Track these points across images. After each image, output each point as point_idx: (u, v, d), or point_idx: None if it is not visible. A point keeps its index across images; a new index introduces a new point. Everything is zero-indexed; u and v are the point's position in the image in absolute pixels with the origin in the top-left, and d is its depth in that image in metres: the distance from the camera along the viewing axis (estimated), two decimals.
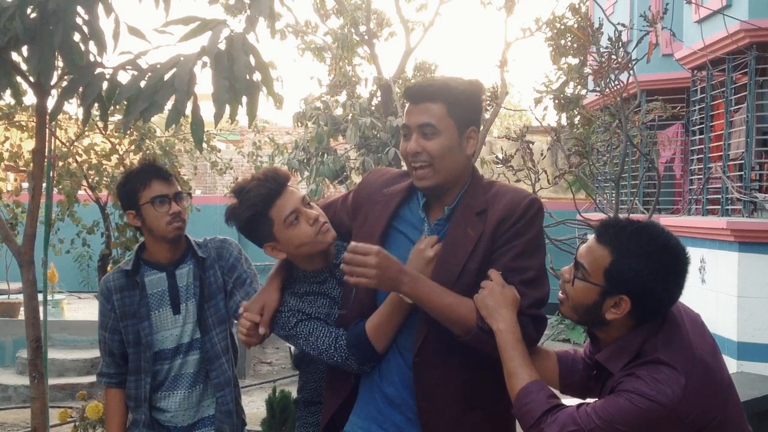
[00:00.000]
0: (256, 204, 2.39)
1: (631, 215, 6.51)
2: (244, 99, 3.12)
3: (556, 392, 2.15)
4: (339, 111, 15.07)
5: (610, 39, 5.05)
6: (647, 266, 1.98)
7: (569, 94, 13.97)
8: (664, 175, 9.67)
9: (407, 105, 2.32)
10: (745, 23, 6.85)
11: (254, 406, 8.69)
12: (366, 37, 14.95)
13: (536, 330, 2.23)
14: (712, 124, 8.20)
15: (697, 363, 1.96)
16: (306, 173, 14.59)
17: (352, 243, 2.18)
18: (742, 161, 7.51)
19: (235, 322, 2.69)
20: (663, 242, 2.02)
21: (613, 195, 6.43)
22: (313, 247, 2.41)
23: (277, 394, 5.56)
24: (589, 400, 2.05)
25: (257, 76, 3.15)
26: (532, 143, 5.82)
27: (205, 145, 9.47)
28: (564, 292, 2.13)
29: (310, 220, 2.40)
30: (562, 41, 14.36)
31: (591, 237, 2.11)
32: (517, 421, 2.14)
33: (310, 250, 2.42)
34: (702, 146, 8.32)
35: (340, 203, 2.61)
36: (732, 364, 6.32)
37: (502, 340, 2.10)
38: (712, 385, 1.96)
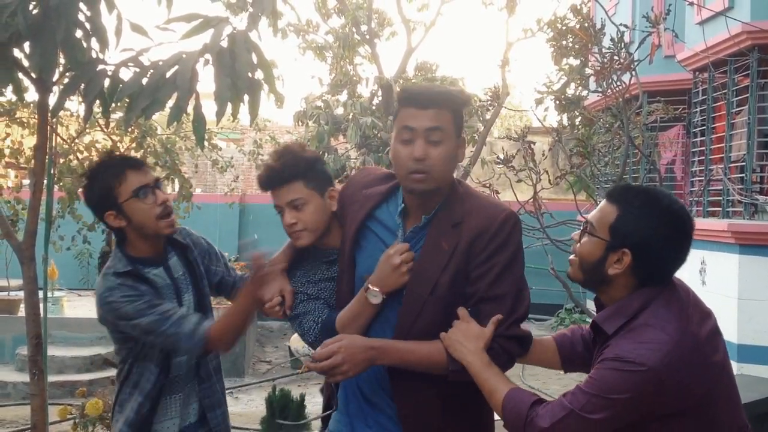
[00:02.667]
0: (261, 185, 2.53)
1: None
2: (246, 97, 3.12)
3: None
4: (340, 110, 15.06)
5: (612, 39, 5.05)
6: (649, 222, 2.04)
7: (570, 95, 13.95)
8: (665, 177, 9.66)
9: (409, 108, 2.27)
10: (747, 25, 6.85)
11: (253, 404, 8.70)
12: (367, 36, 14.93)
13: (521, 347, 2.27)
14: (713, 125, 8.19)
15: (688, 335, 1.97)
16: None
17: (313, 354, 2.21)
18: (744, 163, 7.51)
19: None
20: (667, 203, 2.08)
21: None
22: (323, 226, 2.49)
23: (276, 392, 5.56)
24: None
25: (259, 74, 3.15)
26: (534, 144, 5.80)
27: (206, 143, 9.47)
28: (575, 254, 2.18)
29: (285, 223, 2.49)
30: (564, 42, 14.33)
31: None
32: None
33: (320, 227, 2.50)
34: (703, 148, 8.32)
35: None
36: (732, 367, 6.31)
37: (474, 370, 2.15)
38: (700, 360, 1.97)
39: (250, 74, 3.12)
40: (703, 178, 8.36)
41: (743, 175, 7.57)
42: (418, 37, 15.60)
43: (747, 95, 7.37)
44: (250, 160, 13.97)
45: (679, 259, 2.08)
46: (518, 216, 2.33)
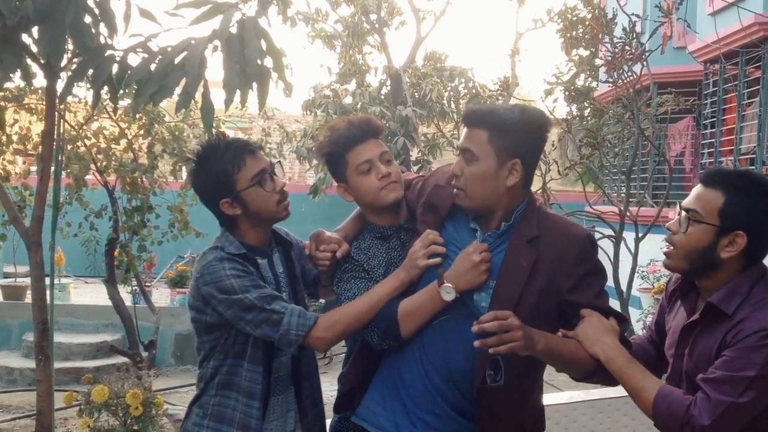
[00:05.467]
0: (336, 143, 2.50)
1: (640, 209, 6.47)
2: (255, 84, 3.10)
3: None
4: (348, 99, 15.03)
5: (624, 29, 5.01)
6: (758, 202, 2.07)
7: (580, 86, 13.89)
8: (675, 169, 9.61)
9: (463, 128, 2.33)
10: (759, 16, 6.80)
11: None
12: (376, 25, 14.88)
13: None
14: (723, 117, 8.14)
15: None
16: (314, 161, 14.56)
17: (494, 313, 2.11)
18: (754, 155, 7.46)
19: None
20: (765, 181, 2.12)
21: (623, 187, 6.39)
22: (375, 200, 2.48)
23: None
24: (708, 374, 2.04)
25: (268, 62, 3.13)
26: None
27: (214, 131, 9.45)
28: (672, 245, 2.17)
29: (380, 174, 2.46)
30: (574, 32, 14.27)
31: (696, 187, 2.17)
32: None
33: (372, 202, 2.49)
34: (713, 140, 8.27)
35: (412, 184, 2.62)
36: None
37: (615, 365, 2.13)
38: None
39: (259, 61, 3.10)
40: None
41: (753, 167, 7.53)
42: (428, 26, 15.60)
43: (758, 87, 7.31)
44: None
45: None
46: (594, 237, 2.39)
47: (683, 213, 2.15)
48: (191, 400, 2.64)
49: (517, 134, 2.22)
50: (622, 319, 2.28)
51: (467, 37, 52.88)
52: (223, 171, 2.49)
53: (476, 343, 2.10)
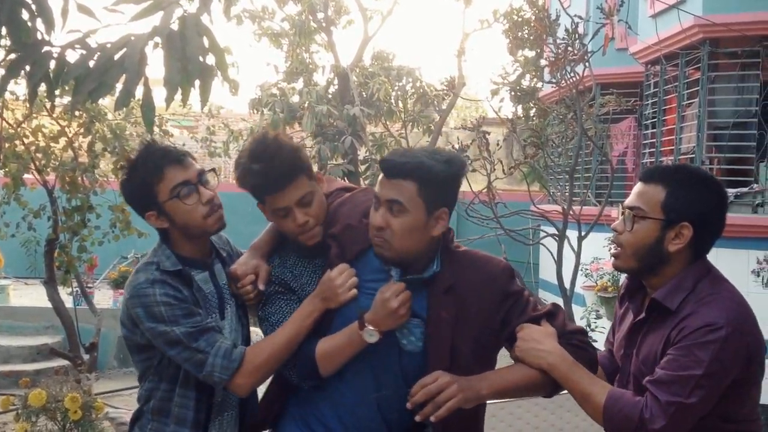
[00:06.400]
0: (254, 188, 2.40)
1: (583, 208, 6.56)
2: (197, 82, 3.06)
3: None
4: (295, 98, 14.95)
5: (566, 30, 5.08)
6: (700, 192, 2.11)
7: (525, 87, 14.05)
8: (617, 168, 9.78)
9: (380, 176, 2.27)
10: (699, 18, 6.94)
11: None
12: (324, 24, 14.83)
13: (590, 343, 2.27)
14: (664, 118, 8.31)
15: (744, 303, 2.08)
16: None
17: (421, 382, 2.12)
18: (693, 155, 7.63)
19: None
20: (704, 173, 2.20)
21: (567, 186, 6.48)
22: (296, 239, 2.41)
23: None
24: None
25: (211, 59, 3.08)
26: (488, 134, 5.82)
27: (157, 130, 9.31)
28: (619, 245, 2.17)
29: (297, 222, 2.37)
30: (519, 33, 14.43)
31: (636, 185, 2.19)
32: None
33: (293, 239, 2.42)
34: (654, 140, 8.43)
35: (332, 196, 2.55)
36: None
37: (559, 373, 2.12)
38: (757, 328, 2.06)
39: (201, 59, 3.04)
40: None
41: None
42: (375, 25, 15.55)
43: (698, 88, 7.47)
44: (203, 147, 13.79)
45: (723, 226, 2.16)
46: (510, 264, 2.38)
47: (627, 212, 2.16)
48: (132, 415, 2.52)
49: (446, 185, 2.22)
50: (553, 312, 2.26)
51: (415, 37, 53.10)
52: (144, 182, 2.40)
53: (417, 418, 2.10)
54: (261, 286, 2.39)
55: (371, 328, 2.20)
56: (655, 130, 8.42)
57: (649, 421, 1.96)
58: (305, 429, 2.36)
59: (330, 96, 15.24)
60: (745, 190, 7.00)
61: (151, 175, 2.40)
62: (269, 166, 2.34)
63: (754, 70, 7.16)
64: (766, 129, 7.02)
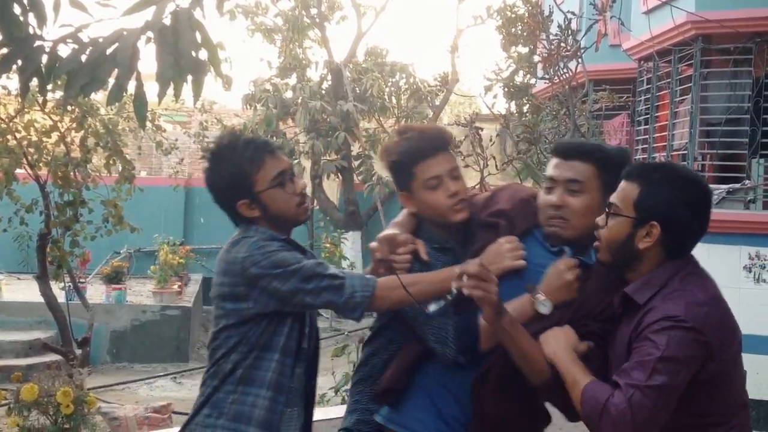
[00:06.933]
0: (405, 153, 2.40)
1: None
2: (190, 77, 3.06)
3: None
4: (289, 94, 14.94)
5: (559, 26, 5.08)
6: (672, 192, 2.11)
7: (519, 83, 14.06)
8: None
9: (555, 160, 2.32)
10: (692, 15, 6.95)
11: (197, 390, 8.60)
12: (317, 19, 14.83)
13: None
14: (656, 114, 8.33)
15: (720, 300, 2.08)
16: None
17: (474, 267, 2.13)
18: (686, 152, 7.65)
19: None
20: (685, 172, 2.19)
21: None
22: (442, 217, 2.41)
23: None
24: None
25: (203, 54, 3.08)
26: (482, 130, 5.84)
27: (149, 125, 9.30)
28: (599, 239, 2.20)
29: (448, 192, 2.38)
30: (513, 29, 14.44)
31: (621, 182, 2.21)
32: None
33: (438, 218, 2.42)
34: (646, 136, 8.45)
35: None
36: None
37: (561, 362, 2.15)
38: (731, 326, 2.07)
39: (194, 53, 3.05)
40: None
41: (685, 163, 7.72)
42: (369, 21, 15.56)
43: (690, 85, 7.49)
44: (196, 143, 13.78)
45: (702, 227, 2.15)
46: None
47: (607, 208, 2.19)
48: (197, 402, 2.45)
49: (619, 169, 2.24)
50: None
51: (408, 33, 53.10)
52: (241, 171, 2.38)
53: (453, 283, 2.12)
54: (425, 256, 2.39)
55: (544, 298, 2.23)
56: (647, 126, 8.43)
57: (611, 405, 1.98)
58: (429, 404, 2.39)
59: (323, 92, 15.24)
60: (737, 186, 7.02)
61: (250, 164, 2.38)
62: (422, 133, 2.42)
63: (746, 66, 7.18)
64: (758, 125, 7.05)
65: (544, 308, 2.23)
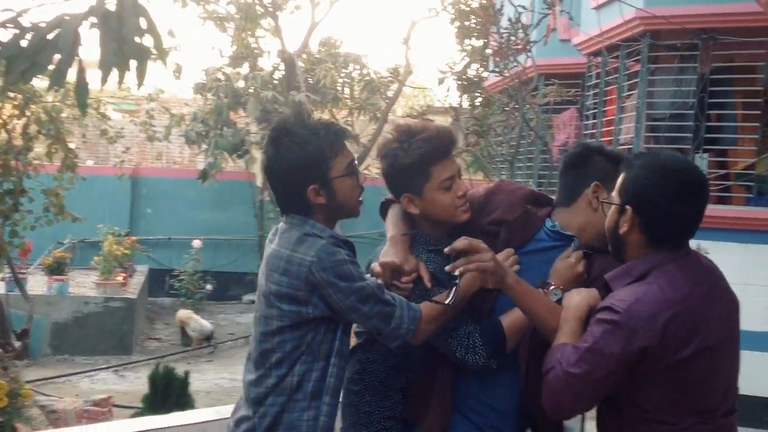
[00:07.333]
0: (424, 155, 2.37)
1: None
2: (134, 64, 3.00)
3: None
4: (241, 83, 14.79)
5: (510, 20, 5.11)
6: (645, 176, 2.11)
7: (472, 76, 14.13)
8: (558, 158, 9.90)
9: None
10: (640, 11, 7.04)
11: (140, 383, 8.50)
12: (270, 8, 14.67)
13: None
14: (604, 109, 8.43)
15: (683, 302, 2.02)
16: (204, 146, 14.26)
17: (464, 242, 2.18)
18: (632, 146, 7.76)
19: None
20: (664, 161, 2.16)
21: (509, 175, 6.54)
22: (449, 217, 2.43)
23: (161, 370, 5.45)
24: None
25: (148, 41, 3.02)
26: (433, 122, 5.84)
27: (93, 112, 9.11)
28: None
29: (459, 192, 2.41)
30: (466, 23, 14.50)
31: None
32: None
33: (445, 218, 2.43)
34: (594, 131, 8.56)
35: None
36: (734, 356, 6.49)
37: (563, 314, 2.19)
38: (687, 329, 2.01)
39: (138, 39, 2.99)
40: None
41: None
42: (323, 11, 15.45)
43: (637, 80, 7.60)
44: (142, 131, 13.56)
45: (686, 216, 2.12)
46: None
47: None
48: (259, 423, 2.27)
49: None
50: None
51: (363, 24, 52.93)
52: (321, 154, 2.28)
53: (447, 268, 2.17)
54: (428, 284, 2.36)
55: (554, 287, 2.31)
56: (595, 120, 8.54)
57: (549, 375, 2.08)
58: (468, 423, 2.41)
59: (275, 82, 15.11)
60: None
61: (330, 148, 2.29)
62: (437, 133, 2.41)
63: (692, 62, 7.29)
64: (702, 120, 7.18)
65: (556, 297, 2.31)
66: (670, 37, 7.28)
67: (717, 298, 2.11)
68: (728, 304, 2.14)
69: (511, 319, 2.33)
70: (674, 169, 2.13)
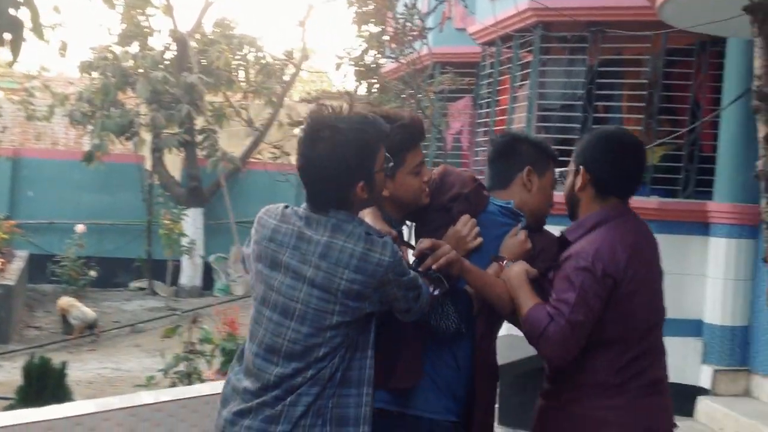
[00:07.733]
0: (402, 141, 2.51)
1: None
2: (8, 37, 2.84)
3: None
4: (130, 63, 14.34)
5: (406, 5, 5.09)
6: (593, 141, 2.64)
7: (369, 62, 14.11)
8: (453, 146, 10.00)
9: None
10: (533, 2, 7.15)
11: (17, 373, 8.12)
12: None
13: None
14: (497, 98, 8.56)
15: (631, 244, 2.49)
16: (90, 127, 13.74)
17: (427, 242, 2.47)
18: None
19: None
20: (608, 129, 2.89)
21: None
22: (414, 200, 2.60)
23: (36, 360, 5.20)
24: None
25: (24, 14, 2.88)
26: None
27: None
28: None
29: (425, 177, 2.59)
30: (364, 8, 14.47)
31: None
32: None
33: (410, 201, 2.60)
34: (487, 119, 8.68)
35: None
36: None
37: (512, 284, 2.52)
38: (636, 266, 2.46)
39: (13, 12, 2.83)
40: (486, 148, 8.72)
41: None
42: None
43: (530, 70, 7.73)
44: (22, 110, 12.92)
45: (627, 170, 2.62)
46: None
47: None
48: (291, 413, 2.25)
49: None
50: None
51: (259, 6, 52.07)
52: (371, 151, 2.29)
53: (420, 268, 2.42)
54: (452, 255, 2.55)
55: (506, 260, 2.59)
56: (489, 109, 8.66)
57: (548, 331, 2.38)
58: (430, 382, 2.57)
59: (167, 62, 14.70)
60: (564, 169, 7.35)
61: (378, 141, 2.31)
62: (411, 121, 2.58)
63: (581, 54, 7.48)
64: (590, 111, 7.37)
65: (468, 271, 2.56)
66: (562, 29, 7.43)
67: (650, 243, 2.60)
68: (656, 248, 2.62)
69: (478, 284, 2.59)
70: (615, 135, 2.69)
